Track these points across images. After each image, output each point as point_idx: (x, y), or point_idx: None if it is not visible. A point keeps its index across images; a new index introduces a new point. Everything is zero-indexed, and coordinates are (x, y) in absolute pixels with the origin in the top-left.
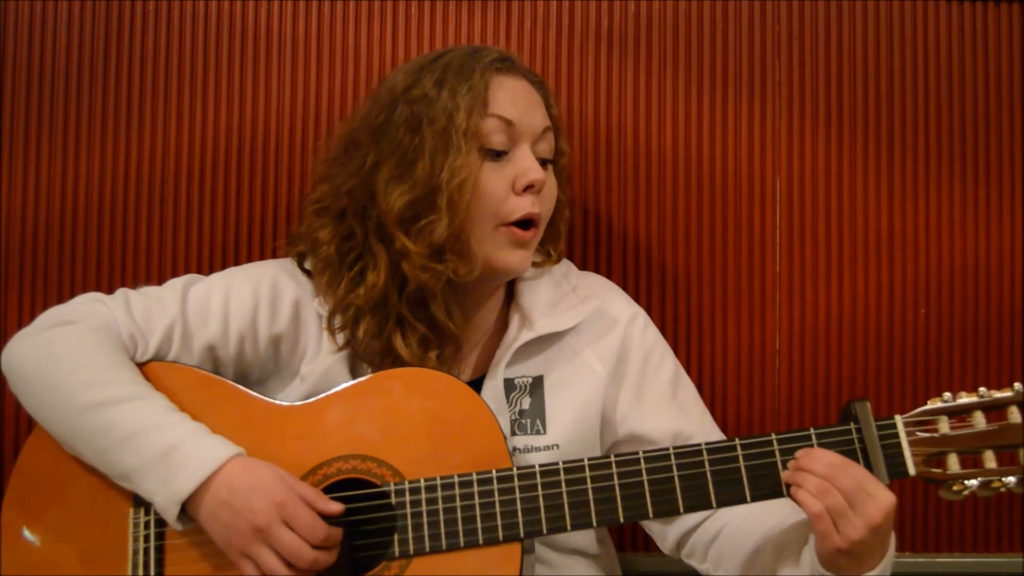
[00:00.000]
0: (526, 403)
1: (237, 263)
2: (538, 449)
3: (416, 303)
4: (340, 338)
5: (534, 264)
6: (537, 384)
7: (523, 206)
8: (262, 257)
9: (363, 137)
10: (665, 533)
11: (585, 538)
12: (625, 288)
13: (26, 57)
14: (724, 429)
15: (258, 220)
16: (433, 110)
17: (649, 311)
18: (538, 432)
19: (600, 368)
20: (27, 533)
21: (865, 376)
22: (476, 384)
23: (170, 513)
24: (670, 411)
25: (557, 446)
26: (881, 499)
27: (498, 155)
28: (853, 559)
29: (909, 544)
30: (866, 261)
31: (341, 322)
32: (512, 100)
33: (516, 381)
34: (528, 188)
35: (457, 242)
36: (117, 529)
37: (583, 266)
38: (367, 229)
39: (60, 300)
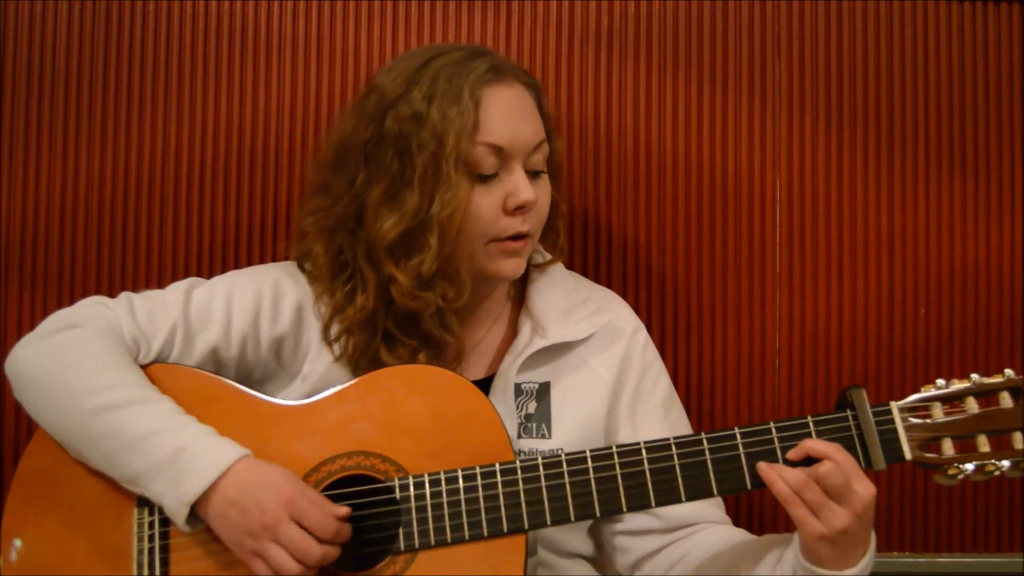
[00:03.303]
0: (532, 407)
1: (237, 263)
2: (542, 453)
3: (404, 319)
4: (336, 348)
5: (538, 266)
6: (544, 390)
7: (513, 226)
8: (262, 256)
9: (353, 152)
10: (627, 548)
11: (585, 541)
12: (625, 288)
13: (26, 57)
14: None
15: (258, 220)
16: (423, 133)
17: (649, 311)
18: (543, 436)
19: (606, 374)
20: (30, 536)
21: (865, 375)
22: (483, 385)
23: (179, 516)
24: (660, 430)
25: (562, 450)
26: (864, 490)
27: (488, 177)
28: (837, 550)
29: (909, 544)
30: (866, 261)
31: (335, 334)
32: (504, 117)
33: (523, 386)
34: (518, 208)
35: (448, 268)
36: (121, 530)
37: (583, 266)
38: (356, 251)
39: (60, 300)
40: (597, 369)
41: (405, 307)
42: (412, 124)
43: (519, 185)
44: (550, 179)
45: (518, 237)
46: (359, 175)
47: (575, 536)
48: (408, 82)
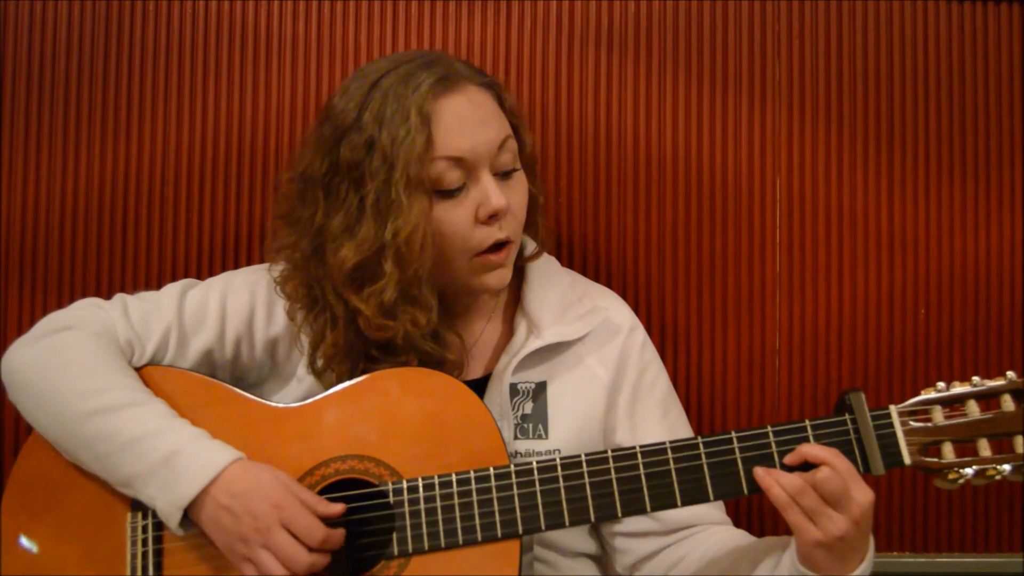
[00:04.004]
0: (528, 408)
1: (236, 263)
2: (539, 454)
3: (386, 346)
4: (324, 380)
5: (526, 260)
6: (540, 390)
7: (491, 234)
8: (262, 257)
9: (312, 186)
10: (626, 549)
11: (588, 541)
12: (625, 288)
13: (26, 57)
14: (724, 428)
15: (258, 221)
16: (373, 160)
17: (649, 311)
18: (540, 437)
19: (603, 373)
20: (25, 538)
21: (865, 376)
22: (478, 385)
23: (172, 519)
24: (659, 430)
25: (559, 451)
26: (862, 496)
27: (454, 192)
28: (834, 556)
29: (909, 544)
30: (866, 261)
31: (320, 367)
32: (460, 127)
33: (519, 386)
34: (492, 217)
35: (413, 290)
36: (115, 533)
37: (583, 265)
38: (324, 285)
39: (60, 301)
40: (594, 368)
41: (373, 338)
42: (364, 152)
43: (489, 193)
44: (525, 174)
45: (498, 246)
46: (319, 209)
47: (578, 536)
48: (359, 106)
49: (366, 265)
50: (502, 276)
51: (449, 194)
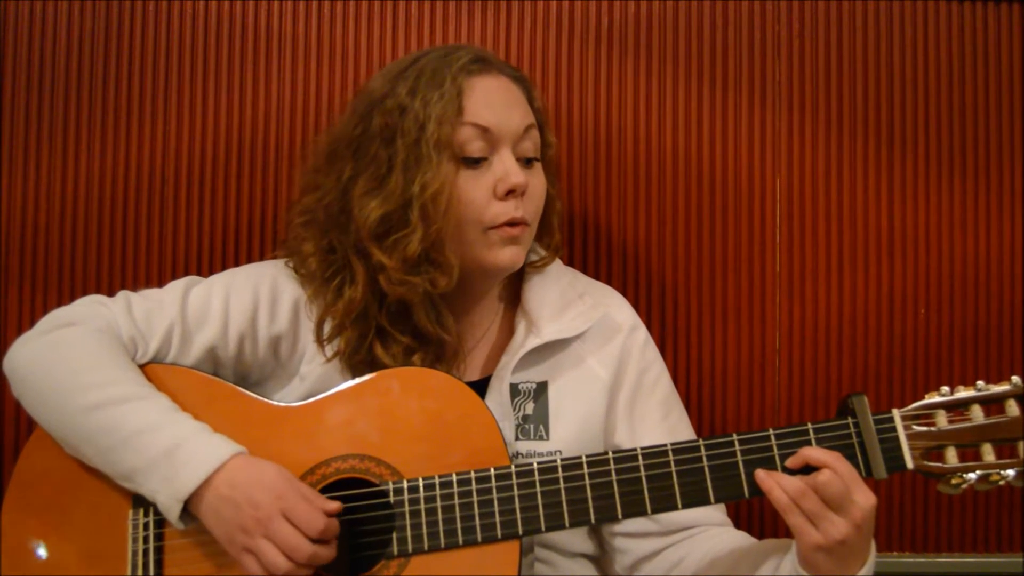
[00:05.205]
0: (529, 408)
1: (237, 263)
2: (541, 455)
3: (398, 314)
4: (329, 350)
5: (533, 265)
6: (541, 390)
7: (506, 211)
8: (262, 257)
9: (341, 149)
10: (626, 549)
11: (587, 541)
12: (625, 288)
13: (26, 57)
14: (724, 428)
15: (258, 220)
16: (405, 122)
17: (649, 311)
18: (541, 438)
19: (603, 373)
20: (27, 536)
21: (865, 376)
22: (480, 386)
23: (172, 512)
24: (659, 431)
25: (560, 452)
26: (864, 500)
27: (477, 162)
28: (834, 559)
29: (909, 544)
30: (866, 261)
31: (328, 333)
32: (488, 103)
33: (520, 386)
34: (509, 193)
35: (434, 252)
36: (116, 530)
37: (583, 266)
38: (346, 244)
39: (60, 300)
40: (594, 367)
41: (394, 294)
42: (396, 116)
43: (509, 169)
44: (545, 174)
45: (514, 223)
46: (346, 170)
47: (577, 536)
48: (394, 81)
49: (392, 216)
50: (516, 254)
51: (472, 163)
